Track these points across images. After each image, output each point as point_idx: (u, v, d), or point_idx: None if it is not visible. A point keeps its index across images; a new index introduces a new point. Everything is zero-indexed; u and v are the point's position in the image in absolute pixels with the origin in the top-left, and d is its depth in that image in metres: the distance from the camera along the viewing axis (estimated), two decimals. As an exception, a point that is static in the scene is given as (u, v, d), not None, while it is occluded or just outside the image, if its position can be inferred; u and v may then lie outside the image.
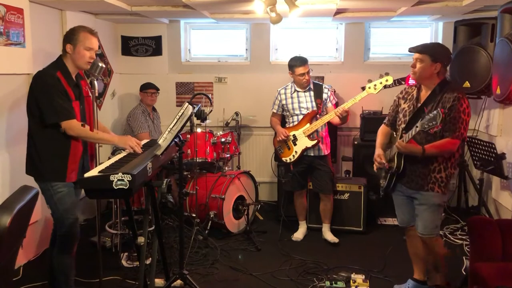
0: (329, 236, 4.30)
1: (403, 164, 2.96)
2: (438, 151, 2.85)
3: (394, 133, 3.12)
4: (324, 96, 4.15)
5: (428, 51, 2.87)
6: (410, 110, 3.00)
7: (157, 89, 4.96)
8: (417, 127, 2.76)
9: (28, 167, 2.89)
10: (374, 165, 3.19)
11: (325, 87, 4.20)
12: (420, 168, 2.92)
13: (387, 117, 3.28)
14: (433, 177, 2.90)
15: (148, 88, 4.88)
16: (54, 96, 2.70)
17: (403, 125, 3.00)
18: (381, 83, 3.77)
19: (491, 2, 3.84)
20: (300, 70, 4.06)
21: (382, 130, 3.29)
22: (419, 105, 2.95)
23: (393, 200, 3.23)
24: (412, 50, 2.95)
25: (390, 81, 3.76)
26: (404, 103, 3.09)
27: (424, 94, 2.97)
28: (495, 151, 3.82)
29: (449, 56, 2.98)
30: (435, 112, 2.65)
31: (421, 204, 2.96)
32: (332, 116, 3.96)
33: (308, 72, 4.09)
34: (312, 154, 4.17)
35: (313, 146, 4.10)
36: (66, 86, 2.78)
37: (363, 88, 3.87)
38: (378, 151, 3.15)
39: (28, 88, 2.86)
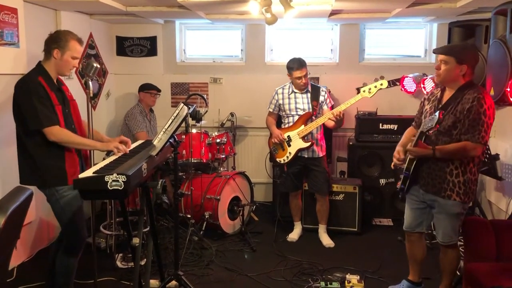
0: (325, 239, 4.30)
1: (414, 167, 2.90)
2: (453, 153, 2.76)
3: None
4: (321, 98, 4.16)
5: (454, 53, 2.77)
6: (431, 111, 2.92)
7: (159, 91, 4.98)
8: (420, 129, 2.73)
9: (25, 177, 2.82)
10: (392, 163, 3.12)
11: (322, 90, 4.21)
12: (437, 171, 2.85)
13: (414, 119, 3.21)
14: (451, 181, 2.81)
15: (151, 89, 4.91)
16: (36, 103, 2.66)
17: None
18: (375, 87, 3.77)
19: (485, 3, 3.87)
20: (297, 73, 4.06)
21: (408, 131, 3.21)
22: (440, 106, 2.89)
23: (406, 201, 3.18)
24: (436, 51, 2.86)
25: (385, 85, 3.76)
26: (428, 104, 3.03)
27: (447, 95, 2.88)
28: (488, 152, 3.83)
29: (476, 57, 2.87)
30: (436, 114, 2.61)
31: (440, 212, 2.92)
32: (326, 118, 3.96)
33: (305, 75, 4.08)
34: (306, 156, 4.17)
35: (307, 148, 4.11)
36: (49, 91, 2.75)
37: (358, 90, 3.88)
38: (398, 148, 3.07)
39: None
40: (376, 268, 3.70)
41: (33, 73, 2.81)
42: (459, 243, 4.09)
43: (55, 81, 2.87)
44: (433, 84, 4.55)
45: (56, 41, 2.81)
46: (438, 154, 2.77)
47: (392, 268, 3.68)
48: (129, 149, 2.78)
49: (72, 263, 2.92)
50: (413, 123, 3.22)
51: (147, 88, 4.90)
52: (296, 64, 4.06)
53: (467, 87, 2.80)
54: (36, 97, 2.68)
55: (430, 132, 2.74)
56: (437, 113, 2.62)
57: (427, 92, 3.12)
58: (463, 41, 4.26)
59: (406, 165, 2.95)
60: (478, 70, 4.02)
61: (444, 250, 3.03)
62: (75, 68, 2.90)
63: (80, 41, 2.87)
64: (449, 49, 2.84)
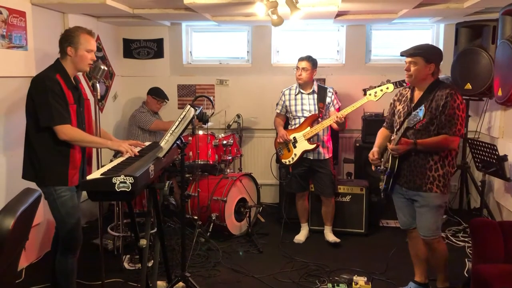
0: (330, 237, 4.30)
1: (397, 166, 2.98)
2: (433, 146, 2.86)
3: (392, 136, 3.13)
4: (328, 100, 4.16)
5: (421, 53, 2.90)
6: (405, 111, 3.03)
7: (168, 99, 5.06)
8: (404, 125, 2.81)
9: (27, 172, 2.86)
10: (372, 165, 3.23)
11: (329, 91, 4.20)
12: (418, 167, 2.94)
13: (385, 120, 3.31)
14: (431, 176, 2.91)
15: (160, 97, 4.95)
16: (51, 99, 2.68)
17: (398, 127, 3.03)
18: (381, 90, 3.77)
19: (493, 4, 3.84)
20: (298, 63, 4.14)
21: (381, 132, 3.31)
22: (412, 105, 2.98)
23: (393, 202, 3.24)
24: (404, 53, 2.98)
25: (391, 89, 3.76)
26: (399, 104, 3.12)
27: (418, 94, 3.00)
28: (497, 153, 3.81)
29: (441, 55, 3.00)
30: (419, 108, 2.71)
31: (422, 206, 2.97)
32: (332, 120, 3.97)
33: (304, 70, 4.09)
34: (311, 158, 4.17)
35: (312, 149, 4.10)
36: (65, 89, 2.77)
37: (364, 91, 3.87)
38: (373, 149, 3.19)
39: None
40: (383, 270, 3.69)
41: (51, 69, 2.82)
42: (466, 244, 4.09)
43: (72, 79, 2.88)
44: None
45: (67, 39, 2.83)
46: (420, 147, 2.87)
47: (399, 269, 3.66)
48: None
49: (71, 264, 2.92)
50: (385, 124, 3.31)
51: (156, 95, 4.93)
52: (303, 56, 4.15)
53: (436, 85, 2.93)
54: (52, 94, 2.69)
55: (417, 125, 2.82)
56: (422, 107, 2.71)
57: (396, 94, 3.20)
58: (471, 42, 4.25)
59: (389, 164, 3.01)
60: (485, 71, 4.02)
61: (432, 248, 3.05)
62: (92, 62, 2.90)
63: (90, 33, 2.87)
64: (416, 50, 2.94)
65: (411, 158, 2.95)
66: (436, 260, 3.08)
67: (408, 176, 2.99)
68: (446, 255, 3.08)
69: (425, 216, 2.97)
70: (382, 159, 3.14)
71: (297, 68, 4.13)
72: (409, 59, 2.94)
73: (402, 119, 3.00)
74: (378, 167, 3.17)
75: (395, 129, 3.07)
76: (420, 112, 2.68)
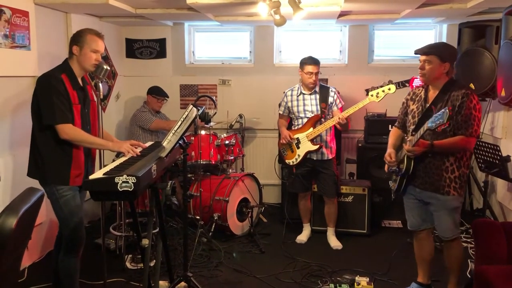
0: (332, 241, 4.28)
1: (412, 166, 2.95)
2: (450, 147, 2.84)
3: (406, 136, 3.10)
4: (330, 99, 4.14)
5: (436, 51, 2.86)
6: (419, 111, 2.99)
7: (168, 97, 5.03)
8: (425, 126, 2.75)
9: (31, 170, 2.89)
10: (386, 165, 3.19)
11: (331, 90, 4.19)
12: (434, 169, 2.91)
13: (397, 120, 3.27)
14: (447, 177, 2.88)
15: (161, 95, 4.94)
16: (54, 98, 2.70)
17: (412, 127, 2.99)
18: (383, 91, 3.76)
19: (496, 4, 3.84)
20: (309, 68, 4.04)
21: (394, 132, 3.28)
22: (427, 105, 2.94)
23: (403, 202, 3.21)
24: (419, 52, 2.93)
25: (393, 90, 3.75)
26: (413, 104, 3.08)
27: (432, 94, 2.96)
28: (499, 153, 3.80)
29: (455, 54, 2.96)
30: (442, 110, 2.64)
31: (439, 209, 2.95)
32: (334, 121, 3.95)
33: (316, 74, 4.06)
34: (315, 158, 4.16)
35: (316, 150, 4.10)
36: (70, 89, 2.78)
37: (367, 91, 3.86)
38: (389, 150, 3.14)
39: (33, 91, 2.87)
40: (386, 270, 3.68)
41: (58, 69, 2.84)
42: (469, 245, 4.08)
43: (79, 79, 2.90)
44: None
45: (74, 39, 2.87)
46: (436, 149, 2.84)
47: (401, 270, 3.66)
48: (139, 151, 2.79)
49: (74, 263, 2.92)
50: (396, 124, 3.28)
51: (156, 94, 4.92)
52: (310, 60, 4.07)
53: (452, 85, 2.89)
54: (56, 93, 2.71)
55: (439, 128, 2.76)
56: (446, 109, 2.63)
57: (409, 93, 3.18)
58: (474, 42, 4.24)
59: (404, 165, 2.97)
60: (488, 71, 4.00)
61: (449, 246, 3.04)
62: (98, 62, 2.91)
63: (98, 34, 2.89)
64: (430, 48, 2.91)
65: (426, 160, 2.92)
66: (451, 261, 3.06)
67: (423, 177, 2.96)
68: (462, 255, 3.08)
69: (444, 218, 2.95)
70: (396, 159, 3.10)
71: (310, 73, 4.04)
72: (423, 57, 2.89)
73: (416, 119, 2.97)
74: (391, 168, 3.13)
75: (409, 129, 3.03)
76: (444, 115, 2.60)
